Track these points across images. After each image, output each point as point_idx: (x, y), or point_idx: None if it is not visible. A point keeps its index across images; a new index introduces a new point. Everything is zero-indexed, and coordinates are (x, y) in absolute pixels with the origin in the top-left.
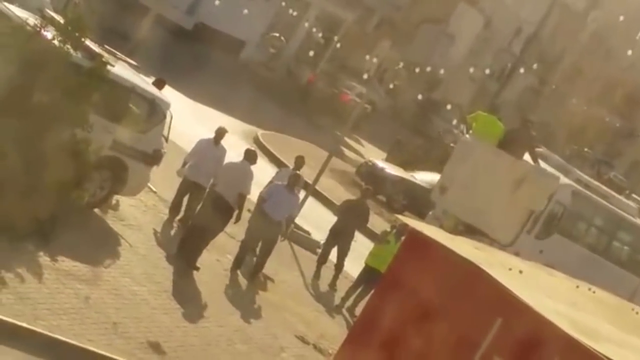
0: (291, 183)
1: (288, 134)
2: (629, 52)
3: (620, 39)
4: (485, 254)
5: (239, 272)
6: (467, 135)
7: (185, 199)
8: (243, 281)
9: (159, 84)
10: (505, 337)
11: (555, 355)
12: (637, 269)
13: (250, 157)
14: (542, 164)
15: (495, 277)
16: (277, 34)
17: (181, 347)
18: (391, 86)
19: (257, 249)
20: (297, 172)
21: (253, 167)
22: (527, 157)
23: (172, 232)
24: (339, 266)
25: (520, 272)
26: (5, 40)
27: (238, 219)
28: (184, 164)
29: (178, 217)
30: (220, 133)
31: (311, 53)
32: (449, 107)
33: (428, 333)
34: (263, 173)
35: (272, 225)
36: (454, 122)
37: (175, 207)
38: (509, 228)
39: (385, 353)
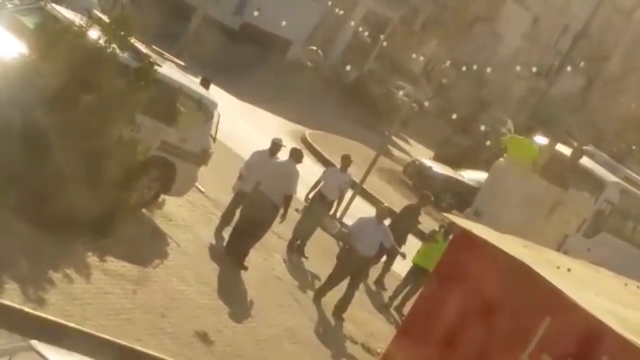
0: (379, 216)
1: (335, 133)
2: None
3: None
4: (534, 253)
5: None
6: (502, 159)
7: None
8: (292, 281)
9: (205, 84)
10: (554, 335)
11: (604, 353)
12: None
13: (295, 156)
14: (590, 164)
15: (543, 275)
16: (315, 48)
17: (229, 347)
18: (438, 85)
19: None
20: (384, 204)
21: (299, 166)
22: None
23: (223, 233)
24: (387, 266)
25: (569, 270)
26: (53, 41)
27: (283, 218)
28: (240, 176)
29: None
30: (276, 146)
31: (355, 53)
32: (482, 127)
33: (476, 331)
34: (310, 173)
35: (363, 261)
36: (487, 143)
37: (227, 217)
38: None
39: (433, 351)
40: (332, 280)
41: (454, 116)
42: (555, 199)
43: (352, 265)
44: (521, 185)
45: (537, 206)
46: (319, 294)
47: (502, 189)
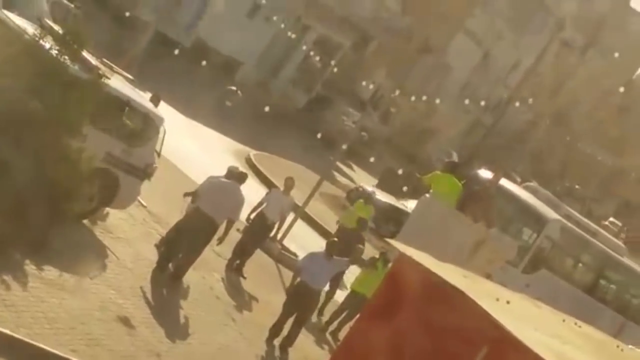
0: (328, 250)
1: (281, 156)
2: (621, 90)
3: (616, 77)
4: (474, 283)
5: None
6: (427, 195)
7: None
8: (229, 301)
9: (155, 100)
10: None
11: None
12: (623, 308)
13: (240, 178)
14: (532, 200)
15: (482, 305)
16: (234, 88)
17: None
18: (386, 114)
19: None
20: (333, 239)
21: (242, 187)
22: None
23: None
24: (331, 293)
25: (508, 302)
26: (4, 49)
27: (220, 241)
28: (193, 200)
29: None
30: (233, 174)
31: (306, 77)
32: (430, 157)
33: (413, 359)
34: (254, 194)
35: (312, 294)
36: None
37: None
38: None
39: None
40: (283, 316)
41: (400, 145)
42: (479, 238)
43: (302, 298)
44: (444, 223)
45: (460, 245)
46: (274, 333)
47: (425, 226)
